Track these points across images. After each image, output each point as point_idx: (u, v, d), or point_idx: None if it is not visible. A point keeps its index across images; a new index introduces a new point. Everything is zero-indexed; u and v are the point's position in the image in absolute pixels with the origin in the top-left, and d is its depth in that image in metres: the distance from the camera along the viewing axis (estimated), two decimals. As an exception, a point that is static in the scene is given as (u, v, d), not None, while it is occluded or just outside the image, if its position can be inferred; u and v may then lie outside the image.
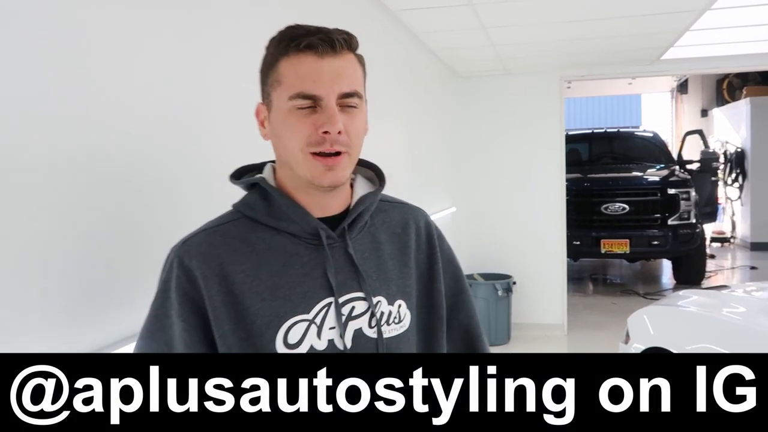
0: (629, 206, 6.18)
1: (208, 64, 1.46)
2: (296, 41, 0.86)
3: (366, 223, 0.98)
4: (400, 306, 0.97)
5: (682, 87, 10.49)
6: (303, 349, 0.88)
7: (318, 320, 0.89)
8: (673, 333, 2.78)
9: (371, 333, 0.93)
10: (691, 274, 6.40)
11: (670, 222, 6.10)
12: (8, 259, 0.94)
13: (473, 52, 4.10)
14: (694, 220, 6.18)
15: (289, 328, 0.88)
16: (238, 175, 0.99)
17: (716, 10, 3.17)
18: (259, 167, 1.00)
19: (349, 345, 0.91)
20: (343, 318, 0.91)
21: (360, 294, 0.93)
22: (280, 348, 0.88)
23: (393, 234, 1.01)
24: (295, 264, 0.90)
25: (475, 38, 3.66)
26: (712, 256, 7.99)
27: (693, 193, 6.23)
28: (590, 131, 8.20)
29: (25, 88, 0.97)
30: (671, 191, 6.19)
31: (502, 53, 4.15)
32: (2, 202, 0.93)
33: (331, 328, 0.90)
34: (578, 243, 6.08)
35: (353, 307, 0.92)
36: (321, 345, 0.89)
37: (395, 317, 0.96)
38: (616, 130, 8.36)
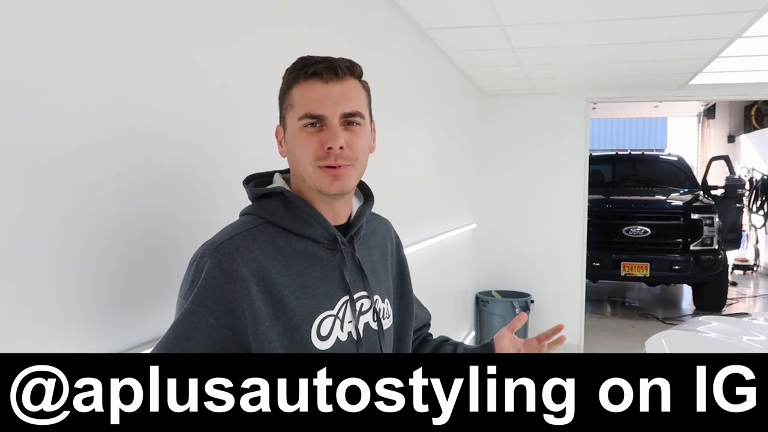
0: (651, 230, 6.14)
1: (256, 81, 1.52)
2: (305, 69, 0.98)
3: (362, 231, 1.11)
4: (387, 303, 1.14)
5: (710, 112, 10.39)
6: (332, 340, 1.00)
7: (341, 315, 1.02)
8: (692, 359, 2.75)
9: (374, 326, 1.08)
10: (711, 301, 6.32)
11: (692, 247, 6.05)
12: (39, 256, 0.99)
13: (501, 71, 4.14)
14: (716, 247, 6.11)
15: (321, 322, 0.99)
16: (248, 182, 1.08)
17: (747, 38, 3.17)
18: (266, 175, 1.09)
19: (361, 336, 1.04)
20: (356, 313, 1.04)
21: (365, 293, 1.07)
22: (315, 339, 0.98)
23: (377, 242, 1.16)
24: (316, 266, 1.01)
25: (503, 58, 3.70)
26: (734, 284, 7.86)
27: (717, 219, 6.16)
28: (614, 153, 8.18)
29: (65, 95, 1.02)
30: (694, 216, 6.13)
31: (529, 73, 4.18)
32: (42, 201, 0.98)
33: (349, 322, 1.03)
34: (598, 264, 6.05)
35: (362, 304, 1.06)
36: (343, 336, 1.02)
37: (386, 313, 1.12)
38: (640, 152, 8.35)
